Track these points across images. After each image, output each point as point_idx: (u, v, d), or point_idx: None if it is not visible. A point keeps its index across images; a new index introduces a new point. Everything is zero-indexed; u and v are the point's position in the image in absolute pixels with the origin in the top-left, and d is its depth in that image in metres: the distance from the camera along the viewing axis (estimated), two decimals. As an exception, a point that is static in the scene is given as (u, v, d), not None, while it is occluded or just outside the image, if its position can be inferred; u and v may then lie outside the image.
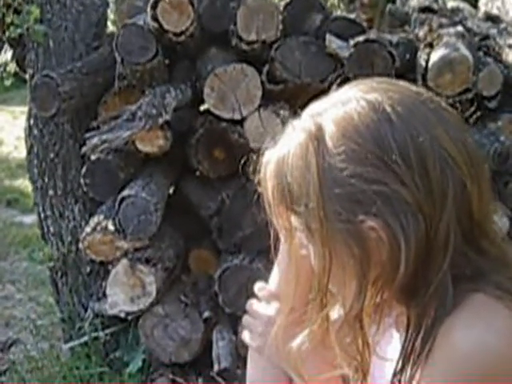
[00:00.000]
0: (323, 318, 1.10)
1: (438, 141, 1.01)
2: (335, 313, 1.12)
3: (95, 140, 2.65)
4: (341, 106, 1.05)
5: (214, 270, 3.29)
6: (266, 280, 2.94)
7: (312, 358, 1.19)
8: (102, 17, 3.45)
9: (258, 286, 1.33)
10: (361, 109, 1.03)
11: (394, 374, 1.04)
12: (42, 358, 3.84)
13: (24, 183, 8.67)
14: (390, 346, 1.14)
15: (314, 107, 1.10)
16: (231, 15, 3.00)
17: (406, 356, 1.03)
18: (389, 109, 1.02)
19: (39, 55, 3.33)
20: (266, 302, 1.29)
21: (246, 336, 1.31)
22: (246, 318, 1.32)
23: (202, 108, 3.20)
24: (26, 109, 12.75)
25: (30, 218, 7.52)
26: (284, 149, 1.07)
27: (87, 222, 3.31)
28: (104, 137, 2.66)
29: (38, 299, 5.30)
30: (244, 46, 2.96)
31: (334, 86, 1.15)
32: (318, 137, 1.04)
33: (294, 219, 1.08)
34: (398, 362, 1.04)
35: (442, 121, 1.04)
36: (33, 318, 4.80)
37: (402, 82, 1.13)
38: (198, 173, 3.23)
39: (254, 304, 1.31)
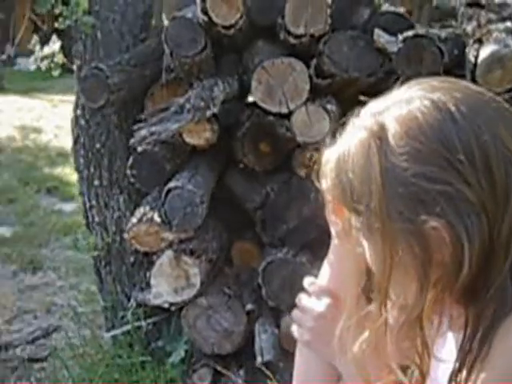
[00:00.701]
0: (383, 320, 1.09)
1: (501, 140, 1.01)
2: (392, 314, 1.12)
3: (143, 132, 2.67)
4: (404, 105, 1.05)
5: (256, 262, 3.31)
6: (309, 274, 2.94)
7: (369, 362, 1.19)
8: (148, 9, 3.47)
9: (307, 281, 1.33)
10: (424, 108, 1.02)
11: (451, 376, 1.04)
12: (83, 346, 3.88)
13: (64, 171, 8.78)
14: (445, 347, 1.13)
15: (375, 106, 1.09)
16: (279, 8, 2.99)
17: (463, 358, 1.02)
18: (453, 108, 1.02)
19: (87, 46, 3.36)
20: (316, 297, 1.29)
21: (295, 330, 1.32)
22: (295, 313, 1.32)
23: (248, 101, 3.20)
24: (65, 97, 12.92)
25: (70, 206, 7.63)
26: (344, 147, 1.07)
27: (132, 213, 3.34)
28: (152, 129, 2.68)
29: (78, 287, 5.37)
30: (292, 40, 2.95)
31: (397, 84, 1.14)
32: (380, 135, 1.03)
33: (353, 218, 1.08)
34: (455, 364, 1.04)
35: (505, 120, 1.04)
36: (73, 305, 4.86)
37: (463, 82, 1.12)
38: (242, 165, 3.23)
39: (303, 299, 1.32)
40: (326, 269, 1.31)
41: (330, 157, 1.10)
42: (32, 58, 3.23)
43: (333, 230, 1.23)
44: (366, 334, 1.12)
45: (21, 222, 6.98)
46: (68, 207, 7.57)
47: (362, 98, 3.23)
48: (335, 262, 1.28)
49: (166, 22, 3.33)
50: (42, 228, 6.76)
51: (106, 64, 2.96)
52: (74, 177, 8.63)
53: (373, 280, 1.09)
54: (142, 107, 3.25)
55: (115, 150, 3.35)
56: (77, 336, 4.12)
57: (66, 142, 10.39)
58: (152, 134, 2.68)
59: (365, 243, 1.09)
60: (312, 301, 1.29)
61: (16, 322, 4.84)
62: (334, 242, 1.25)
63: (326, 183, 1.11)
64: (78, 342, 3.96)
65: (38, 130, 10.94)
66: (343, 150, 1.07)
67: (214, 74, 3.03)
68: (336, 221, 1.16)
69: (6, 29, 17.76)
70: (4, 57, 17.45)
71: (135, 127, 2.73)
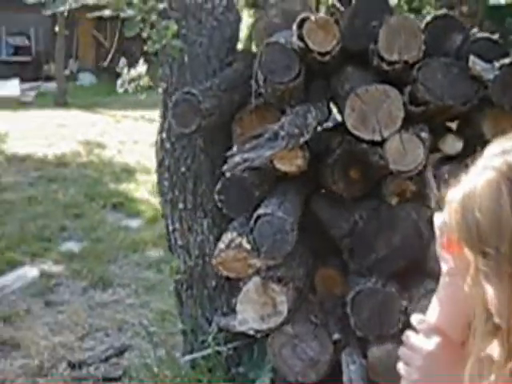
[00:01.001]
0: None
1: None
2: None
3: (237, 158, 2.65)
4: None
5: (339, 289, 3.26)
6: (399, 304, 2.87)
7: None
8: (235, 32, 3.47)
9: (416, 318, 1.29)
10: None
11: None
12: (159, 366, 3.87)
13: (128, 187, 8.88)
14: None
15: (501, 145, 1.06)
16: (371, 34, 2.96)
17: None
18: None
19: (174, 70, 3.37)
20: (425, 335, 1.25)
21: (401, 368, 1.28)
22: (403, 350, 1.28)
23: (337, 127, 3.16)
24: (126, 113, 13.09)
25: (136, 222, 7.69)
26: (470, 187, 1.04)
27: (215, 237, 3.34)
28: (245, 155, 2.66)
29: (149, 305, 5.38)
30: (385, 66, 2.91)
31: None
32: (510, 176, 1.01)
33: (476, 258, 1.05)
34: None
35: None
36: (145, 324, 4.86)
37: None
38: (329, 191, 3.19)
39: (411, 336, 1.27)
40: (435, 306, 1.28)
41: (454, 196, 1.07)
42: (119, 81, 3.25)
43: (444, 267, 1.21)
44: (492, 377, 1.08)
45: (88, 238, 7.06)
46: (134, 223, 7.63)
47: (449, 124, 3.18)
48: (446, 300, 1.24)
49: (254, 47, 3.33)
50: (109, 244, 6.81)
51: (197, 89, 2.95)
52: (138, 193, 8.76)
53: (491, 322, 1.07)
54: (229, 131, 3.24)
55: (200, 173, 3.35)
56: (151, 356, 4.13)
57: (130, 158, 10.57)
58: (245, 160, 2.66)
59: (488, 286, 1.05)
60: (421, 339, 1.25)
61: (88, 340, 4.87)
62: (445, 279, 1.22)
63: (447, 222, 1.10)
64: (153, 363, 3.95)
65: (101, 146, 11.09)
66: (469, 189, 1.05)
67: (303, 100, 3.00)
68: (449, 258, 1.15)
69: (69, 45, 18.10)
70: (67, 72, 17.81)
71: (228, 153, 2.71)
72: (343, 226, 3.11)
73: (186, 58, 3.33)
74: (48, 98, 16.64)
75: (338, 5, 3.10)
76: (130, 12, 3.19)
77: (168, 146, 3.38)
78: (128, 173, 9.65)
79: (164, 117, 3.39)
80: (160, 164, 3.44)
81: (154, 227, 7.36)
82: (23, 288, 5.83)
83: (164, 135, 3.39)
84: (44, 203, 8.23)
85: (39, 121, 13.09)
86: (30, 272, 6.18)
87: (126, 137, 11.84)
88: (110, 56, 17.68)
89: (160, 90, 3.44)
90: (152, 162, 10.44)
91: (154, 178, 9.62)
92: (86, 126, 12.66)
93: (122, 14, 3.16)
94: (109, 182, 9.21)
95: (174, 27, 3.17)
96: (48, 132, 11.96)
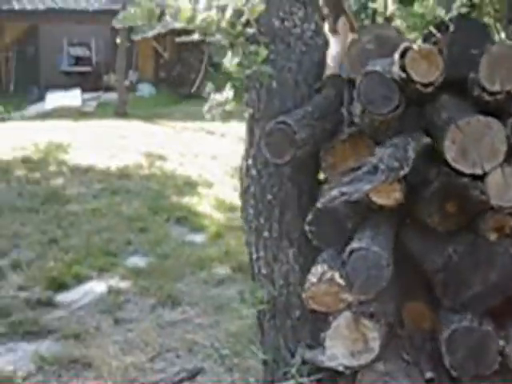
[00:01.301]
0: None
1: None
2: None
3: (334, 192, 2.57)
4: None
5: (428, 324, 3.16)
6: (495, 344, 2.74)
7: None
8: (323, 57, 3.39)
9: None
10: None
11: None
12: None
13: (191, 201, 8.87)
14: None
15: None
16: (470, 62, 2.86)
17: None
18: None
19: (261, 96, 3.31)
20: None
21: None
22: None
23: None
24: (186, 124, 13.17)
25: (200, 237, 7.67)
26: None
27: (301, 266, 3.27)
28: (343, 189, 2.58)
29: (218, 325, 5.33)
30: (486, 97, 2.80)
31: None
32: None
33: None
34: None
35: None
36: (216, 346, 4.81)
37: None
38: (421, 223, 3.09)
39: None
40: None
41: None
42: (207, 106, 3.20)
43: None
44: None
45: (154, 253, 7.06)
46: (198, 238, 7.61)
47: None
48: None
49: (343, 73, 3.25)
50: (175, 260, 6.79)
51: (292, 118, 2.88)
52: (201, 207, 8.75)
53: None
54: (317, 159, 3.16)
55: (287, 201, 3.28)
56: (225, 381, 4.08)
57: (191, 171, 10.57)
58: (343, 194, 2.58)
59: None
60: None
61: (159, 361, 4.84)
62: None
63: None
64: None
65: (163, 158, 11.14)
66: None
67: (398, 129, 2.90)
68: None
69: (129, 56, 18.29)
70: (127, 82, 17.99)
71: (326, 187, 2.63)
72: (436, 259, 3.00)
73: (274, 84, 3.26)
74: (108, 109, 16.84)
75: (435, 31, 3.00)
76: (218, 37, 3.14)
77: (254, 172, 3.32)
78: (190, 186, 9.66)
79: (250, 143, 3.33)
80: (245, 191, 3.37)
81: (218, 243, 7.35)
82: (91, 304, 5.84)
83: (250, 162, 3.33)
84: (108, 216, 8.29)
85: (100, 131, 13.24)
86: (98, 287, 6.19)
87: (187, 149, 11.87)
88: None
89: (246, 116, 3.38)
90: (213, 176, 10.49)
91: (216, 191, 9.67)
92: (147, 137, 12.75)
93: (211, 39, 3.12)
94: (171, 195, 9.23)
95: (264, 53, 3.10)
96: (109, 143, 12.08)
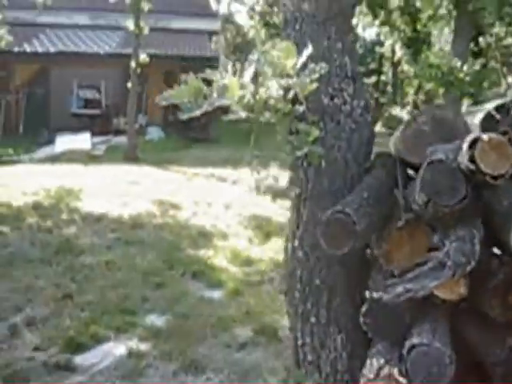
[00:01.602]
0: None
1: None
2: None
3: (399, 289, 2.44)
4: None
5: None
6: None
7: None
8: (371, 135, 3.28)
9: None
10: None
11: None
12: None
13: (207, 254, 8.71)
14: None
15: None
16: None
17: None
18: None
19: (309, 175, 3.19)
20: None
21: None
22: None
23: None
24: (197, 170, 13.03)
25: (217, 294, 7.48)
26: None
27: (348, 354, 3.12)
28: (408, 286, 2.45)
29: (246, 395, 5.14)
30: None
31: None
32: None
33: None
34: None
35: None
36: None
37: None
38: (478, 313, 2.95)
39: None
40: None
41: None
42: (255, 184, 3.08)
43: None
44: None
45: (172, 311, 6.87)
46: (216, 295, 7.43)
47: None
48: None
49: (393, 151, 3.13)
50: (195, 320, 6.59)
51: (350, 207, 2.75)
52: (217, 260, 8.59)
53: None
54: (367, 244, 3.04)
55: (335, 286, 3.14)
56: None
57: (205, 220, 10.43)
58: (408, 291, 2.45)
59: None
60: None
61: None
62: None
63: None
64: None
65: (175, 206, 11.01)
66: None
67: (458, 218, 2.77)
68: None
69: (139, 100, 18.28)
70: (136, 126, 17.95)
71: (389, 282, 2.50)
72: (496, 352, 2.85)
73: (323, 163, 3.15)
74: (117, 152, 16.77)
75: (494, 112, 2.88)
76: (266, 115, 3.04)
77: (301, 255, 3.18)
78: (205, 237, 9.51)
79: (297, 224, 3.20)
80: (291, 273, 3.23)
81: (237, 300, 7.17)
82: (111, 368, 5.65)
83: (296, 243, 3.19)
84: (123, 269, 8.12)
85: (111, 176, 13.14)
86: (117, 349, 6.00)
87: (199, 197, 11.75)
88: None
89: (292, 195, 3.25)
90: (228, 227, 10.31)
91: (231, 243, 9.51)
92: (158, 184, 12.65)
93: (261, 119, 3.01)
94: (186, 247, 9.07)
95: (316, 132, 3.00)
96: (121, 189, 11.96)
